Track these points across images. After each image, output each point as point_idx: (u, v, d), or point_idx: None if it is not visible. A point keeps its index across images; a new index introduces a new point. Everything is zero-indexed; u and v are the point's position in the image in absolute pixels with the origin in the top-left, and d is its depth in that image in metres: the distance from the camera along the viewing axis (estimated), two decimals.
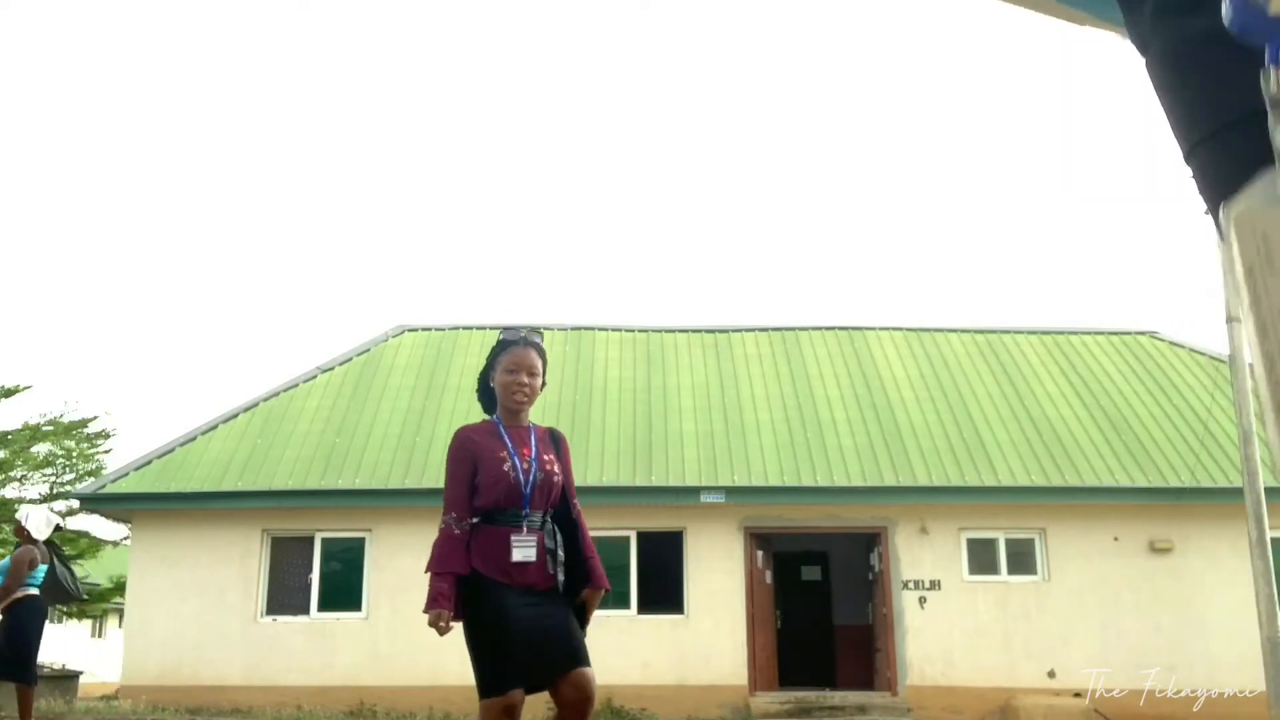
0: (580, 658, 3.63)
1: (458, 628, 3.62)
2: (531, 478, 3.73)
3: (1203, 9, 0.80)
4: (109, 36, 65.66)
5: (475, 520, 3.69)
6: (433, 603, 3.57)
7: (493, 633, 3.55)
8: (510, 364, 3.84)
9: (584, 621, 3.78)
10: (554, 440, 3.93)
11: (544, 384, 3.93)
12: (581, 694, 3.58)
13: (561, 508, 3.83)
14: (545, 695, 3.67)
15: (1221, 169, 0.82)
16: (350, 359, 18.08)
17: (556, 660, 3.59)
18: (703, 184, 72.03)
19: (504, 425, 3.85)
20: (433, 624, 3.54)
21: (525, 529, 3.68)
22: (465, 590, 3.60)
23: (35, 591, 8.41)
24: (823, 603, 18.40)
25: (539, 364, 3.88)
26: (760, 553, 15.37)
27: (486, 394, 3.96)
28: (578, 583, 3.76)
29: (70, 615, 21.94)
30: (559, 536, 3.77)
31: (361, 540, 15.24)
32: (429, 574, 3.65)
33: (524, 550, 3.65)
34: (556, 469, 3.82)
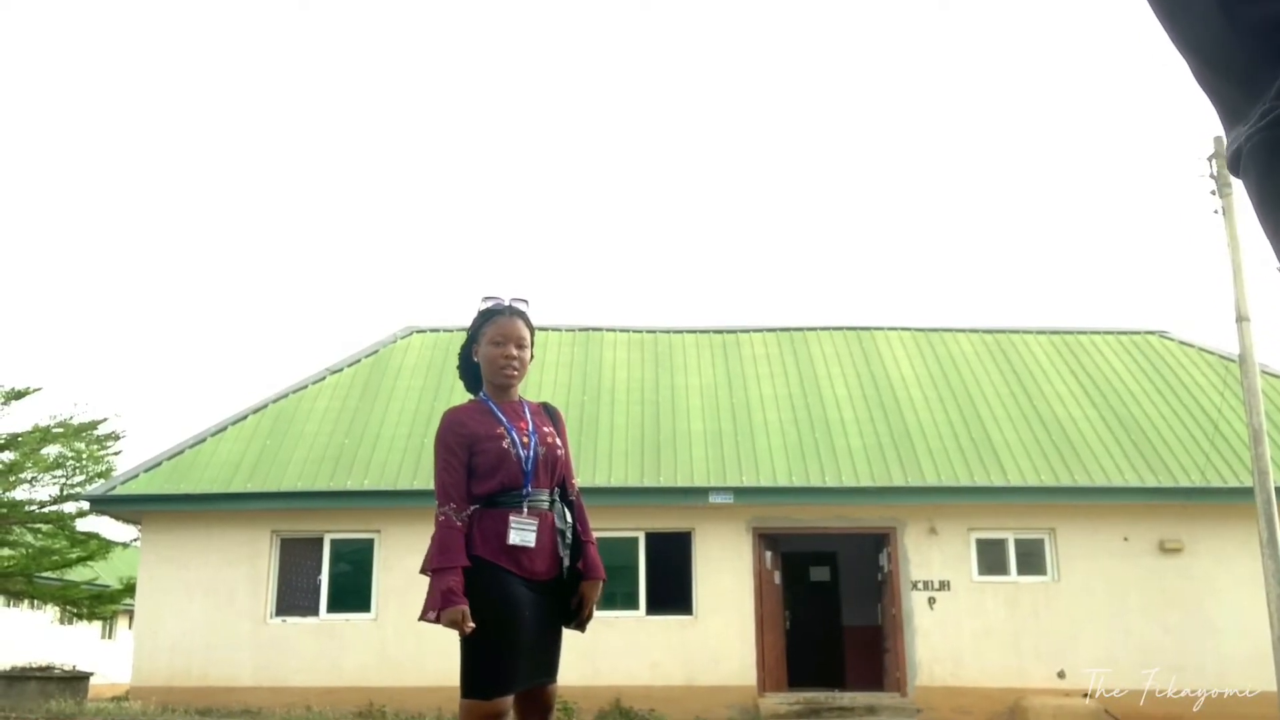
0: (556, 670, 3.43)
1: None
2: (532, 453, 3.40)
3: None
4: (116, 36, 65.85)
5: (475, 508, 3.35)
6: (446, 600, 3.18)
7: (496, 628, 3.21)
8: (496, 335, 3.49)
9: (584, 617, 3.50)
10: (549, 414, 3.61)
11: (532, 356, 3.58)
12: (548, 709, 3.41)
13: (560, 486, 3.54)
14: None
15: None
16: (359, 360, 18.10)
17: (540, 668, 3.36)
18: (710, 184, 72.03)
19: (493, 402, 3.50)
20: (454, 624, 3.16)
21: (526, 510, 3.35)
22: (467, 578, 3.25)
23: None
24: (831, 603, 18.37)
25: (527, 335, 3.53)
26: (769, 553, 15.35)
27: (470, 371, 3.61)
28: (575, 572, 3.47)
29: (80, 616, 21.96)
30: (569, 517, 3.48)
31: (370, 541, 15.27)
32: (430, 572, 3.29)
33: (522, 533, 3.32)
34: (559, 442, 3.51)
